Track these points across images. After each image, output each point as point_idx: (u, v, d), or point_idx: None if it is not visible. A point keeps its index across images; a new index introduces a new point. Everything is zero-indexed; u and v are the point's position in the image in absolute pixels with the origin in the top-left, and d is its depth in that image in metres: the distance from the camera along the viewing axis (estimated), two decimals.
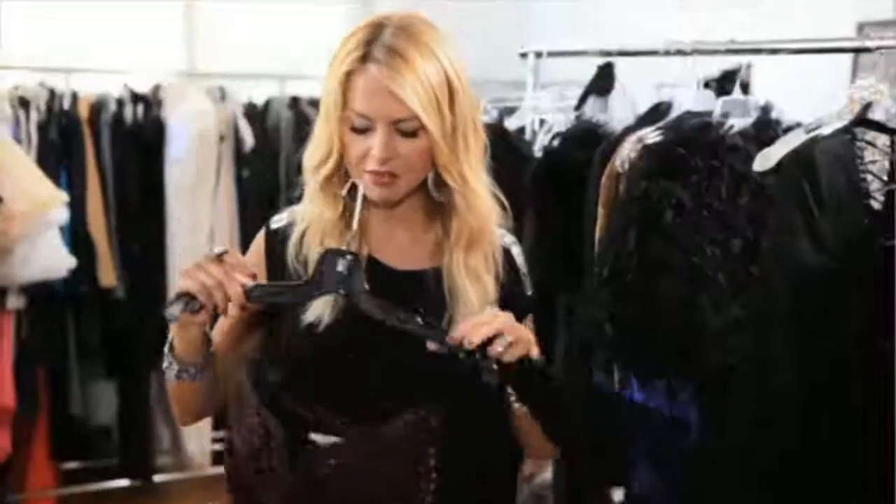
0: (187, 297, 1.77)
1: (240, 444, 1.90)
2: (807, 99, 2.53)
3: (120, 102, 4.73)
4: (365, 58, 1.79)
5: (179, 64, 5.49)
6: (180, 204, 4.71)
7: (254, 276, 1.81)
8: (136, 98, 4.77)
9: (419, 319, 1.78)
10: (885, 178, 2.20)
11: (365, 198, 1.86)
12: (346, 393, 1.89)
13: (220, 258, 1.77)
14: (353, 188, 1.87)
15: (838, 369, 2.16)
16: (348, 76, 1.81)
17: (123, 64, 5.06)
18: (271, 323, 1.99)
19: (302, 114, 5.05)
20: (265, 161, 4.97)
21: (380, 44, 1.79)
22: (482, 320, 1.75)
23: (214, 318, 1.87)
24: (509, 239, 2.09)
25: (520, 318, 1.88)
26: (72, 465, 4.91)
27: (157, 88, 4.85)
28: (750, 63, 2.79)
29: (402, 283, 1.96)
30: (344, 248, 1.82)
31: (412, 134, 1.82)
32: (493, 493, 2.04)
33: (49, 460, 4.77)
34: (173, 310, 1.77)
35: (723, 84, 2.75)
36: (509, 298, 2.00)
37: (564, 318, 2.74)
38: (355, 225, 1.83)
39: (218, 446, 5.06)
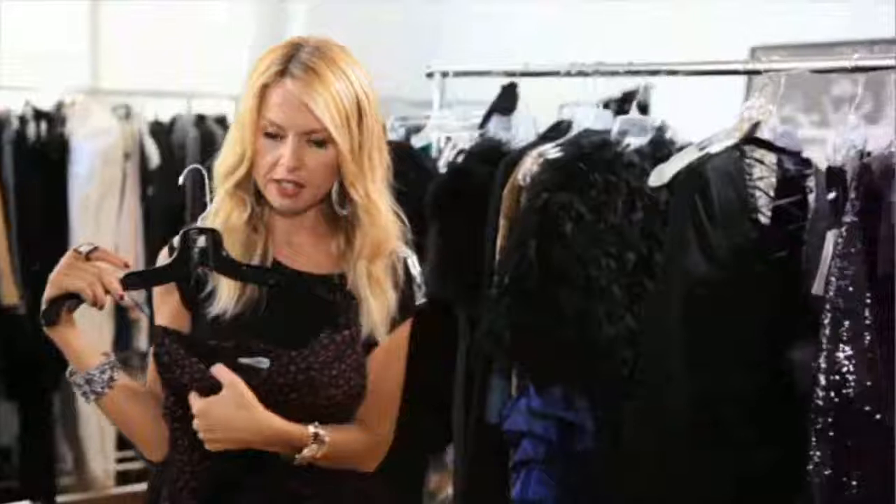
0: (67, 298, 1.83)
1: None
2: (704, 119, 2.59)
3: (22, 120, 4.71)
4: (283, 73, 1.89)
5: (84, 80, 5.45)
6: (84, 222, 4.70)
7: (126, 266, 1.90)
8: (39, 115, 4.75)
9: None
10: (773, 193, 2.32)
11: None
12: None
13: (87, 256, 1.84)
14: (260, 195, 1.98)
15: (728, 376, 2.26)
16: (265, 88, 1.90)
17: (26, 80, 5.02)
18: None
19: (208, 131, 5.09)
20: (171, 179, 4.92)
21: (297, 61, 1.89)
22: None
23: None
24: (406, 251, 2.17)
25: (402, 321, 2.08)
26: None
27: (60, 105, 4.83)
28: (649, 85, 2.91)
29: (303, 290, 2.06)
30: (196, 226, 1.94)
31: (321, 145, 1.91)
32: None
33: None
34: (51, 312, 1.83)
35: (623, 104, 2.86)
36: (401, 306, 2.10)
37: (465, 330, 2.81)
38: None
39: (122, 466, 5.09)
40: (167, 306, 2.06)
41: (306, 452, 1.94)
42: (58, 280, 1.83)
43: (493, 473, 2.70)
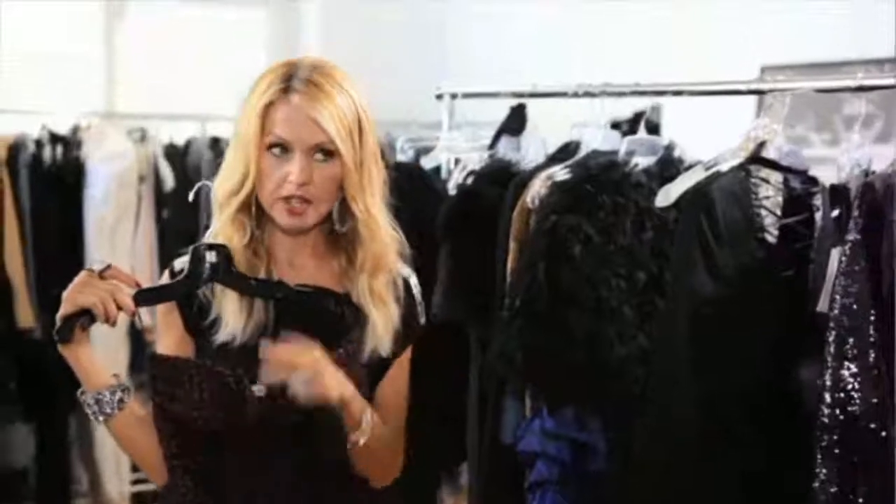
0: (80, 315, 1.85)
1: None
2: (716, 138, 2.60)
3: (38, 143, 4.76)
4: (286, 90, 1.93)
5: (99, 104, 5.50)
6: (100, 244, 4.73)
7: (137, 285, 1.93)
8: (55, 139, 4.80)
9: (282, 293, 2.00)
10: (779, 212, 2.35)
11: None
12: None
13: (101, 275, 1.88)
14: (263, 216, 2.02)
15: (735, 393, 2.28)
16: (269, 107, 1.94)
17: (42, 104, 5.08)
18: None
19: (223, 154, 5.11)
20: (185, 201, 4.95)
21: (298, 78, 1.94)
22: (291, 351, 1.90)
23: None
24: (407, 270, 2.20)
25: (409, 342, 2.13)
26: None
27: (76, 129, 4.87)
28: (657, 105, 2.92)
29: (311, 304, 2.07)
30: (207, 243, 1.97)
31: (326, 160, 1.96)
32: None
33: None
34: (64, 330, 1.86)
35: (634, 125, 2.86)
36: (405, 324, 2.14)
37: (477, 351, 2.81)
38: None
39: (137, 488, 5.10)
40: (170, 335, 2.09)
41: (364, 426, 2.00)
42: (71, 297, 1.86)
43: (509, 494, 2.71)
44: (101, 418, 1.97)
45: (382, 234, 2.08)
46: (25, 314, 4.57)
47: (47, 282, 4.64)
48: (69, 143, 4.83)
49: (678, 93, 2.75)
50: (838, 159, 2.31)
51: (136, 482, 5.07)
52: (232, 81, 5.68)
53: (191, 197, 2.14)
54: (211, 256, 1.94)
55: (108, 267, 1.91)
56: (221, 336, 2.00)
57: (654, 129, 2.79)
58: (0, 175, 4.62)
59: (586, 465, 2.56)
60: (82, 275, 1.90)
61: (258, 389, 1.92)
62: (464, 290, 2.74)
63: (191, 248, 1.97)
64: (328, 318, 2.05)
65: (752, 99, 3.93)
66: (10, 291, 4.54)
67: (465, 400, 2.84)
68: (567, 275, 2.51)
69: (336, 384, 1.92)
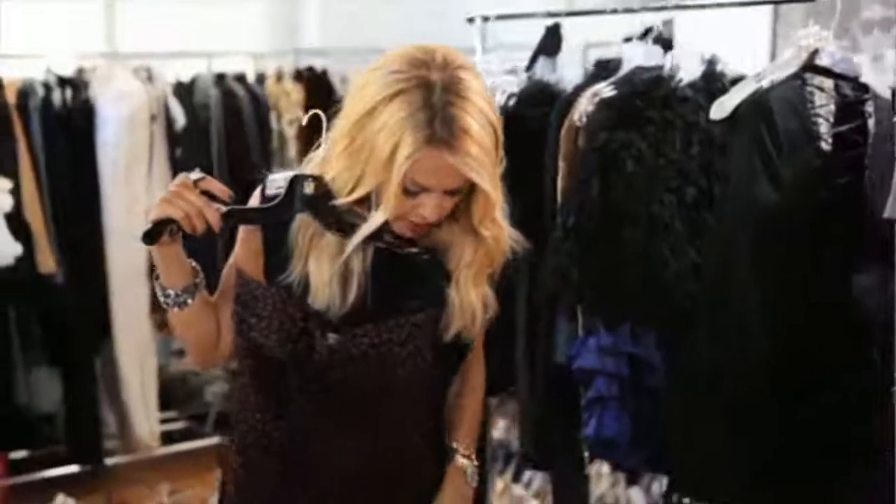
0: (168, 223, 1.83)
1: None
2: (727, 52, 2.66)
3: (47, 87, 4.67)
4: (430, 140, 1.76)
5: (100, 45, 5.47)
6: (115, 187, 4.70)
7: (230, 197, 1.88)
8: (63, 82, 4.71)
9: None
10: (832, 120, 2.35)
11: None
12: None
13: (196, 184, 1.84)
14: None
15: (800, 303, 2.31)
16: (410, 150, 1.77)
17: (42, 47, 5.01)
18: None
19: (229, 90, 5.11)
20: (197, 139, 5.00)
21: (440, 120, 1.76)
22: None
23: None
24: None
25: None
26: (20, 454, 4.91)
27: (80, 71, 4.80)
28: (670, 19, 2.87)
29: (404, 260, 1.97)
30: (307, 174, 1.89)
31: (458, 193, 1.85)
32: None
33: None
34: (152, 233, 1.83)
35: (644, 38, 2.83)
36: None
37: (525, 274, 2.81)
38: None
39: (166, 427, 5.15)
40: (246, 248, 2.05)
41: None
42: (163, 206, 1.82)
43: (564, 413, 2.74)
44: (174, 309, 1.96)
45: (504, 238, 1.99)
46: (46, 260, 4.51)
47: (65, 227, 4.64)
48: (77, 85, 4.75)
49: (702, 6, 2.75)
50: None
51: (164, 421, 5.14)
52: (233, 15, 5.73)
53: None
54: (308, 186, 1.90)
55: (203, 178, 1.86)
56: (316, 304, 1.94)
57: (667, 44, 2.76)
58: (14, 122, 4.54)
59: (643, 381, 2.59)
60: (177, 182, 1.85)
61: (332, 338, 1.91)
62: (510, 209, 2.73)
63: (290, 174, 1.90)
64: (424, 284, 1.98)
65: (768, 12, 3.96)
66: (30, 238, 4.46)
67: (511, 323, 2.86)
68: (620, 191, 2.52)
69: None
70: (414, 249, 1.93)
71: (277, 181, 1.92)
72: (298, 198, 1.87)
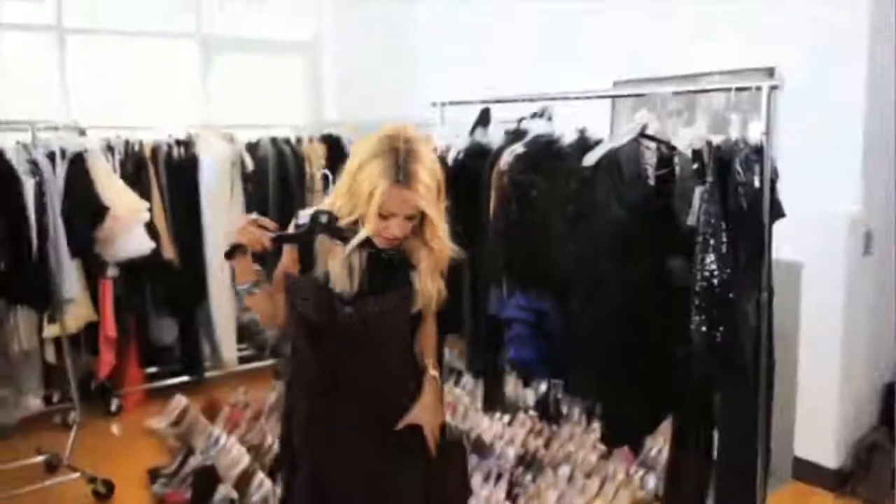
0: (239, 246, 1.86)
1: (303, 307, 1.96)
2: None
3: (169, 146, 4.66)
4: (395, 184, 1.79)
5: (199, 117, 5.38)
6: (210, 208, 4.67)
7: (276, 228, 1.89)
8: (179, 143, 4.69)
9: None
10: (655, 167, 2.36)
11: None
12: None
13: (254, 221, 1.87)
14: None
15: (638, 281, 2.32)
16: (381, 191, 1.80)
17: (166, 120, 4.90)
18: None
19: (280, 148, 5.06)
20: (260, 178, 4.93)
21: (403, 171, 1.79)
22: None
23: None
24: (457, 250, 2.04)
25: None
26: (151, 369, 4.91)
27: (189, 136, 4.74)
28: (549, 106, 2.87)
29: (386, 259, 1.96)
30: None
31: (413, 218, 1.87)
32: None
33: (138, 368, 4.79)
34: (232, 251, 1.86)
35: (538, 116, 2.82)
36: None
37: (470, 263, 2.75)
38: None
39: (241, 353, 5.09)
40: (289, 259, 2.03)
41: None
42: (239, 234, 1.86)
43: (494, 347, 2.76)
44: (244, 294, 1.96)
45: (446, 250, 1.97)
46: (168, 250, 4.51)
47: (179, 233, 4.61)
48: (188, 144, 4.71)
49: (566, 98, 2.75)
50: (685, 136, 2.35)
51: (240, 349, 5.10)
52: (282, 101, 5.67)
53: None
54: (324, 217, 1.89)
55: (259, 217, 1.87)
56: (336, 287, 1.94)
57: (549, 118, 2.76)
58: (148, 167, 4.56)
59: (543, 326, 2.60)
60: (244, 220, 1.87)
61: (348, 309, 1.91)
62: (460, 224, 2.69)
63: (311, 210, 1.90)
64: (398, 273, 1.97)
65: (607, 103, 4.02)
66: (158, 239, 4.45)
67: (461, 292, 2.85)
68: (527, 210, 2.55)
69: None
70: (392, 252, 1.94)
71: (304, 216, 1.92)
72: (318, 225, 1.87)
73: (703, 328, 2.11)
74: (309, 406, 2.02)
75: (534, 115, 2.91)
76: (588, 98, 2.94)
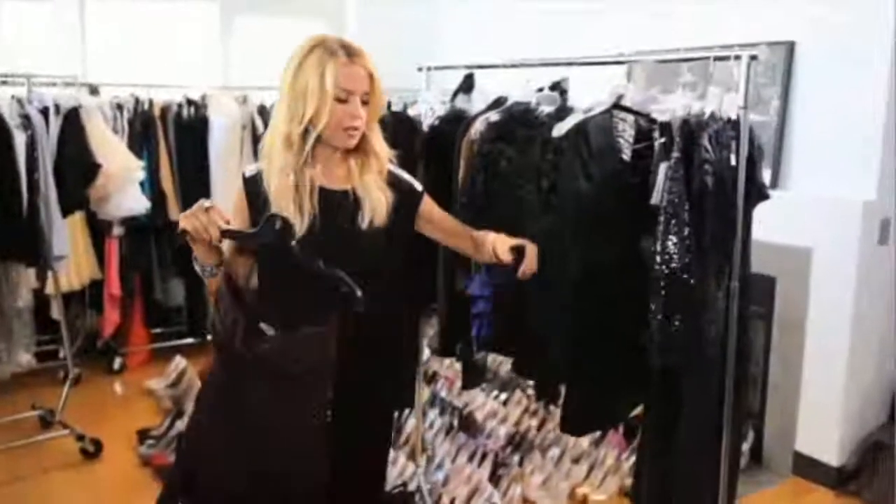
0: (187, 231, 1.77)
1: (219, 325, 1.91)
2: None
3: (180, 106, 4.64)
4: (342, 60, 1.81)
5: (217, 79, 5.36)
6: (218, 169, 4.64)
7: (227, 222, 1.79)
8: (190, 103, 4.67)
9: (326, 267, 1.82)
10: (632, 140, 2.21)
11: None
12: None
13: (207, 210, 1.76)
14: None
15: (603, 256, 2.19)
16: (332, 67, 1.80)
17: (181, 80, 4.88)
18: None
19: None
20: None
21: (343, 51, 1.82)
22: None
23: None
24: (391, 166, 2.05)
25: (420, 202, 2.04)
26: (157, 329, 4.95)
27: (203, 97, 4.73)
28: (566, 77, 2.73)
29: (335, 196, 1.94)
30: (279, 214, 1.82)
31: (366, 104, 1.86)
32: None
33: (143, 327, 4.84)
34: (181, 235, 1.79)
35: (552, 88, 2.69)
36: (404, 195, 2.03)
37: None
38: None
39: None
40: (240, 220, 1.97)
41: None
42: (184, 219, 1.77)
43: (462, 320, 2.60)
44: (206, 276, 1.90)
45: (381, 146, 1.97)
46: (175, 211, 4.49)
47: (187, 192, 4.56)
48: (198, 105, 4.68)
49: (569, 64, 2.57)
50: (670, 108, 2.18)
51: None
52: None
53: None
54: (278, 223, 1.79)
55: (212, 207, 1.76)
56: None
57: (563, 91, 2.60)
58: (157, 126, 4.54)
59: (509, 295, 2.42)
60: (197, 206, 1.76)
61: (295, 246, 1.82)
62: (431, 192, 2.60)
63: (266, 215, 1.82)
64: (345, 206, 1.94)
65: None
66: (165, 198, 4.49)
67: (436, 269, 2.73)
68: (496, 181, 2.42)
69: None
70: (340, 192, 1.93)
71: (251, 169, 1.94)
72: (271, 231, 1.80)
73: (659, 315, 1.97)
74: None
75: (551, 88, 2.77)
76: (576, 65, 2.70)
